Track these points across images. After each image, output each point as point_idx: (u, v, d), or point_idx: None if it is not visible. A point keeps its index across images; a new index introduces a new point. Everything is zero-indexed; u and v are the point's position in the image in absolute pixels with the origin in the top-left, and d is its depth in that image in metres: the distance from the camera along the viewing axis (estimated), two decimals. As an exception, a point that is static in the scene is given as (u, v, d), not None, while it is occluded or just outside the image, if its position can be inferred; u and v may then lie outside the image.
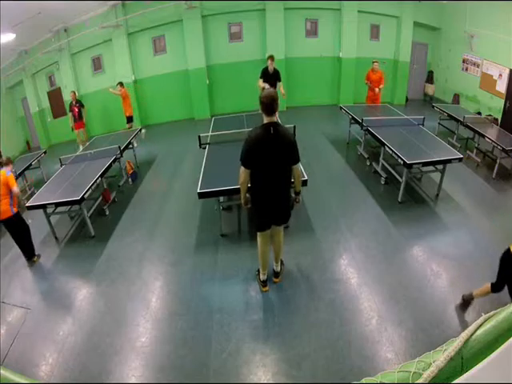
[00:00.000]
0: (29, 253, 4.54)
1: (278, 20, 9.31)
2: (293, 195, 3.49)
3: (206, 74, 9.67)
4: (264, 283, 3.66)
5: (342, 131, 8.06)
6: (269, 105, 2.88)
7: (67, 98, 10.05)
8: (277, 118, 3.07)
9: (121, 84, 8.33)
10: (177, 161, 7.36)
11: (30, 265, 4.52)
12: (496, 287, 2.92)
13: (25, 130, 11.33)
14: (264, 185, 3.13)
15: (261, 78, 7.04)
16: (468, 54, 9.02)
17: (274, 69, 6.95)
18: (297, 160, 3.12)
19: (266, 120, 2.97)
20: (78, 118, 8.73)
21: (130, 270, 4.24)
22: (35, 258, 4.59)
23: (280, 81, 7.08)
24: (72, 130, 8.88)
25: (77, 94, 8.98)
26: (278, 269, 3.75)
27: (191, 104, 10.08)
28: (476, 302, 3.35)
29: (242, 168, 3.05)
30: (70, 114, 8.80)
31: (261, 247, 3.54)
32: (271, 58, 6.90)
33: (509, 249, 2.74)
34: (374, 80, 7.92)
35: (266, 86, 6.71)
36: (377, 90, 7.87)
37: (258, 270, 3.76)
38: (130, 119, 8.64)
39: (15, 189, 4.31)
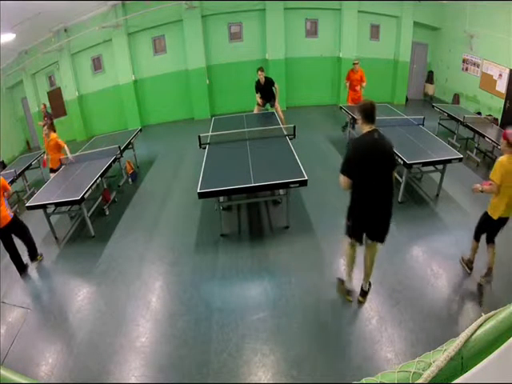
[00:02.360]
0: (33, 252, 4.49)
1: (278, 20, 9.32)
2: None
3: (205, 74, 9.68)
4: (349, 293, 3.46)
5: (342, 131, 8.06)
6: (370, 112, 2.91)
7: (67, 97, 10.09)
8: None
9: (49, 124, 6.15)
10: (177, 161, 7.36)
11: (37, 265, 4.48)
12: (478, 237, 3.57)
13: (25, 130, 11.33)
14: (368, 194, 2.98)
15: (256, 91, 7.33)
16: (468, 54, 9.02)
17: (265, 78, 7.16)
18: (396, 165, 3.10)
19: (366, 128, 2.92)
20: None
21: (130, 269, 4.24)
22: (39, 257, 4.56)
23: (274, 85, 7.25)
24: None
25: (46, 106, 8.72)
26: (367, 288, 3.46)
27: (191, 104, 10.09)
28: (476, 302, 3.36)
29: (344, 177, 2.94)
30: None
31: (350, 255, 3.33)
32: (260, 69, 7.12)
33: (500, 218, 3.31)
34: (355, 79, 7.90)
35: (259, 101, 7.37)
36: (358, 87, 7.87)
37: (339, 280, 3.56)
38: (53, 171, 6.07)
39: (10, 189, 4.41)
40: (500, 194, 3.20)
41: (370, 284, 3.48)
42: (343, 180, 2.97)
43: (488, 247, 3.52)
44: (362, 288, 3.44)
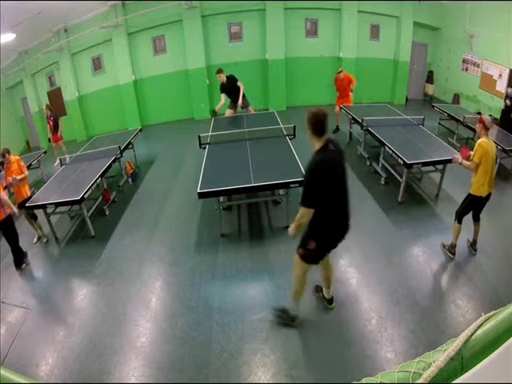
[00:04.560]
0: (18, 259, 4.46)
1: (278, 20, 9.31)
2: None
3: (205, 73, 9.67)
4: (296, 318, 3.19)
5: (342, 131, 8.06)
6: (323, 123, 2.54)
7: (67, 97, 10.09)
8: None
9: (7, 152, 5.01)
10: (177, 161, 7.36)
11: (19, 271, 4.43)
12: (461, 220, 3.84)
13: (25, 130, 11.33)
14: (337, 209, 2.73)
15: (221, 92, 7.07)
16: (468, 54, 9.02)
17: (227, 77, 6.96)
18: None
19: (320, 142, 2.58)
20: (54, 131, 8.29)
21: (130, 270, 4.24)
22: (23, 266, 4.49)
23: (237, 80, 7.03)
24: (49, 141, 8.60)
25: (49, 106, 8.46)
26: (332, 293, 3.38)
27: (191, 104, 10.08)
28: (476, 302, 3.36)
29: (307, 210, 2.54)
30: (48, 127, 8.44)
31: (306, 280, 3.01)
32: (218, 71, 6.92)
33: (479, 196, 3.66)
34: (341, 86, 7.73)
35: (222, 100, 7.02)
36: (351, 93, 7.74)
37: (283, 311, 3.22)
38: (23, 204, 4.86)
39: (2, 195, 4.16)
40: (482, 173, 3.57)
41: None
42: (308, 213, 2.55)
43: (475, 224, 3.92)
44: (331, 297, 3.35)
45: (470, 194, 3.76)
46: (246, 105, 7.24)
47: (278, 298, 3.56)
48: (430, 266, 3.89)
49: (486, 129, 3.55)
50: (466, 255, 4.01)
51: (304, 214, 2.57)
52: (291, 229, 2.76)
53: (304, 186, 2.60)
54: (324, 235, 2.77)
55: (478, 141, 3.57)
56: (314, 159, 2.58)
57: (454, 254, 3.95)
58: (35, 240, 5.00)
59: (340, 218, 2.78)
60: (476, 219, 3.91)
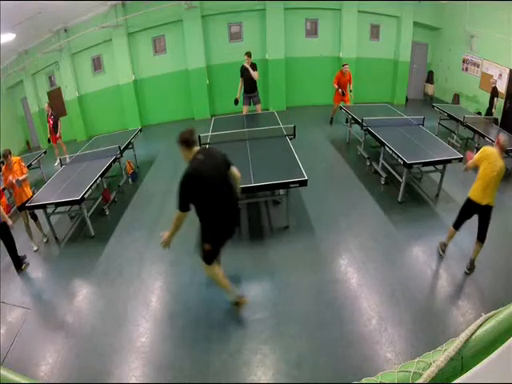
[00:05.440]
0: (16, 263, 4.47)
1: (278, 20, 9.31)
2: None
3: (205, 74, 9.67)
4: (242, 298, 3.34)
5: (341, 131, 8.06)
6: (192, 139, 3.02)
7: (67, 97, 10.09)
8: None
9: (9, 152, 4.96)
10: (177, 161, 7.29)
11: (19, 272, 4.44)
12: (456, 225, 3.85)
13: (25, 130, 11.33)
14: (223, 208, 3.10)
15: (241, 76, 7.19)
16: (468, 54, 9.02)
17: (252, 64, 7.07)
18: (230, 163, 3.23)
19: (190, 154, 3.00)
20: (53, 131, 8.20)
21: (130, 269, 4.24)
22: (23, 267, 4.51)
23: (256, 70, 7.14)
24: (49, 141, 8.57)
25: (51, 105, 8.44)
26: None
27: (191, 104, 10.08)
28: (476, 302, 3.36)
29: (180, 213, 2.89)
30: (47, 126, 8.35)
31: (219, 275, 3.29)
32: (247, 54, 7.01)
33: (469, 198, 3.73)
34: (345, 82, 7.95)
35: (240, 84, 7.23)
36: (350, 93, 7.98)
37: (231, 303, 3.39)
38: (23, 207, 4.91)
39: None
40: (479, 176, 3.65)
41: None
42: (181, 216, 2.91)
43: (477, 243, 3.69)
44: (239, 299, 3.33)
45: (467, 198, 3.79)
46: (256, 101, 7.43)
47: (278, 297, 3.56)
48: (430, 266, 3.89)
49: (501, 148, 3.67)
50: (466, 255, 4.00)
51: (177, 217, 2.93)
52: (165, 237, 3.05)
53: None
54: (216, 236, 3.20)
55: (486, 146, 3.71)
56: (186, 169, 2.94)
57: (443, 251, 4.00)
58: (35, 248, 4.93)
59: (224, 219, 3.16)
60: (479, 238, 3.66)
